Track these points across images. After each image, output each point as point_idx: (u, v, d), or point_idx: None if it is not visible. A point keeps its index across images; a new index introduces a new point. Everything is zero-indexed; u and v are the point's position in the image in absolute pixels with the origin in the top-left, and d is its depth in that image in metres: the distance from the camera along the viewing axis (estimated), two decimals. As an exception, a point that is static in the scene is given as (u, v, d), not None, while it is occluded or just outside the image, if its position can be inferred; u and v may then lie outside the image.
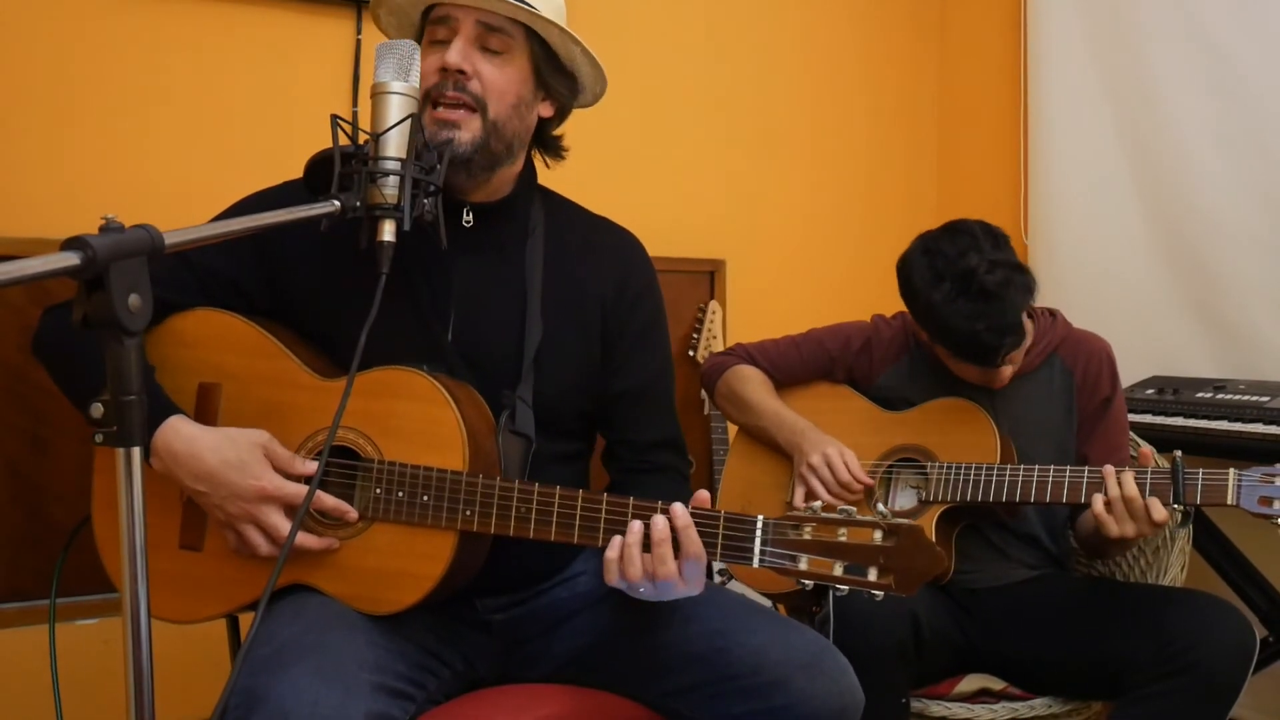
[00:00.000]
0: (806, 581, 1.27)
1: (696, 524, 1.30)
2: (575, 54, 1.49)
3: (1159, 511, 1.64)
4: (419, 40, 1.46)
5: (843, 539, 1.25)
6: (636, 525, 1.31)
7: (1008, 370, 1.86)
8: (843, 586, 1.25)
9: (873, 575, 1.24)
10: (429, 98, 1.40)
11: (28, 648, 2.19)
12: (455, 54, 1.40)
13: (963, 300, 1.75)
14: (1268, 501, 1.60)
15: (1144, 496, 1.65)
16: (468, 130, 1.40)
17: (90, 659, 2.13)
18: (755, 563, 1.28)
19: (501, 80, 1.43)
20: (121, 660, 0.96)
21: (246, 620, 1.52)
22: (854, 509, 1.27)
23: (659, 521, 1.30)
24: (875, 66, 3.37)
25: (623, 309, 1.56)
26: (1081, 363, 1.94)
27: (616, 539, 1.32)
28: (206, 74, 2.44)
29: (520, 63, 1.45)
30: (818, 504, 1.29)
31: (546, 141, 1.56)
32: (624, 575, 1.31)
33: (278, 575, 1.11)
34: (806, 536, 1.27)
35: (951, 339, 1.80)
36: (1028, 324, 1.93)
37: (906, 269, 1.85)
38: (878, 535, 1.24)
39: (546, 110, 1.52)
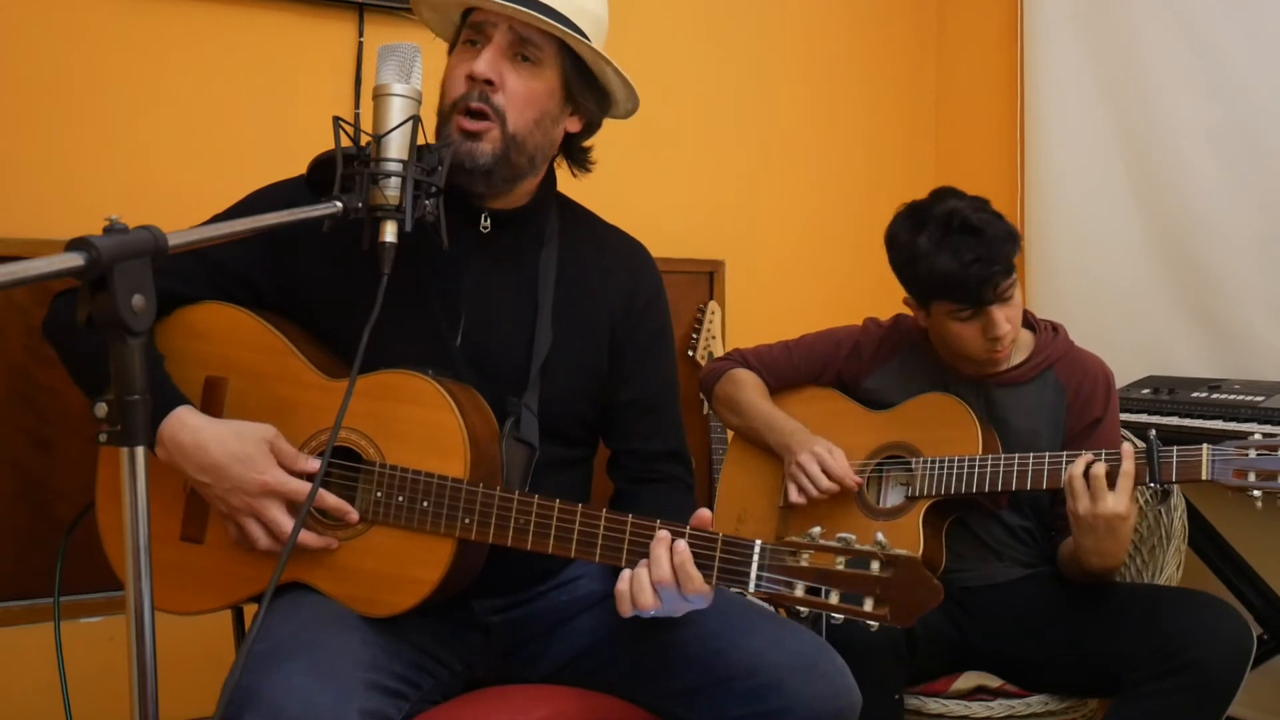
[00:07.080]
0: (802, 609, 1.26)
1: (692, 545, 1.29)
2: (607, 71, 1.48)
3: (1095, 470, 1.66)
4: (456, 40, 1.46)
5: (840, 567, 1.24)
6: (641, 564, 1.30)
7: (1005, 327, 1.83)
8: (838, 615, 1.24)
9: (869, 605, 1.22)
10: (454, 105, 1.40)
11: (34, 645, 2.21)
12: (483, 63, 1.39)
13: (949, 238, 1.78)
14: (1242, 474, 1.61)
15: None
16: (488, 142, 1.40)
17: (96, 657, 2.14)
18: (751, 588, 1.27)
19: (526, 93, 1.41)
20: (126, 657, 0.97)
21: (251, 614, 1.52)
22: (853, 536, 1.25)
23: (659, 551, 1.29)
24: (874, 69, 3.38)
25: (630, 319, 1.56)
26: (1075, 381, 1.93)
27: (626, 572, 1.32)
28: (209, 75, 2.45)
29: (549, 75, 1.44)
30: (816, 530, 1.27)
31: (574, 154, 1.55)
32: (635, 604, 1.30)
33: (280, 573, 1.11)
34: (804, 563, 1.25)
35: (943, 281, 1.80)
36: (1027, 331, 1.94)
37: (892, 232, 1.88)
38: (875, 565, 1.23)
39: (574, 125, 1.50)
